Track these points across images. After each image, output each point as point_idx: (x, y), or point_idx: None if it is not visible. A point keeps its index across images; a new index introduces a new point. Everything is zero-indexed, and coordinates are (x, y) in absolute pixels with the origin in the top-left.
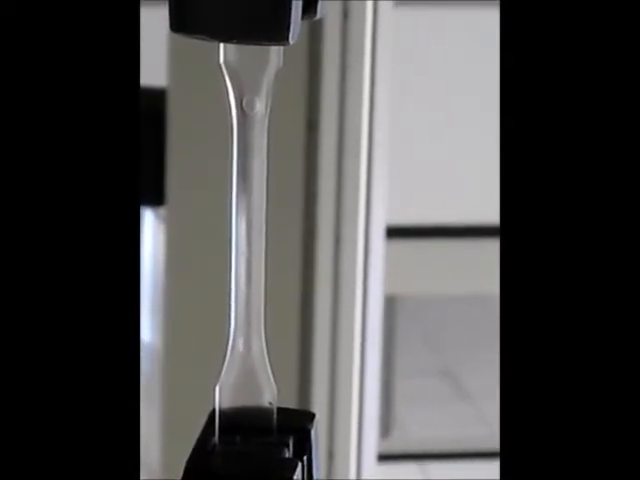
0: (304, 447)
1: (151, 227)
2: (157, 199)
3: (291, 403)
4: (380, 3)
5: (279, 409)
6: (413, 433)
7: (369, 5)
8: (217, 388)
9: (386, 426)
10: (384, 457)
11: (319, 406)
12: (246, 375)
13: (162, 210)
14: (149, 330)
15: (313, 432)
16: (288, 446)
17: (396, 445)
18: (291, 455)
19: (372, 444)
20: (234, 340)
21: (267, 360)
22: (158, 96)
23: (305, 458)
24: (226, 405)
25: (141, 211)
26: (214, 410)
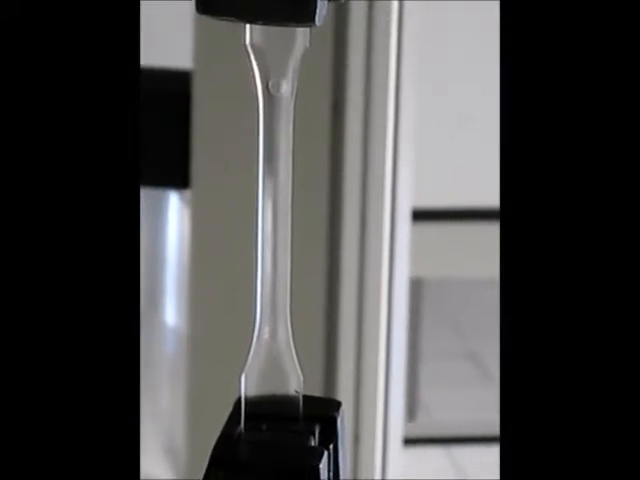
0: (330, 435)
1: (176, 210)
2: (182, 182)
3: (317, 382)
4: None
5: (305, 397)
6: (439, 417)
7: None
8: (243, 376)
9: (412, 410)
10: (410, 441)
11: (345, 390)
12: (272, 363)
13: (187, 193)
14: (175, 314)
15: (339, 420)
16: (314, 434)
17: (422, 429)
18: (317, 443)
19: (398, 428)
20: (260, 328)
21: (293, 348)
22: (184, 78)
23: (331, 446)
24: (252, 393)
25: (149, 193)
26: (240, 398)
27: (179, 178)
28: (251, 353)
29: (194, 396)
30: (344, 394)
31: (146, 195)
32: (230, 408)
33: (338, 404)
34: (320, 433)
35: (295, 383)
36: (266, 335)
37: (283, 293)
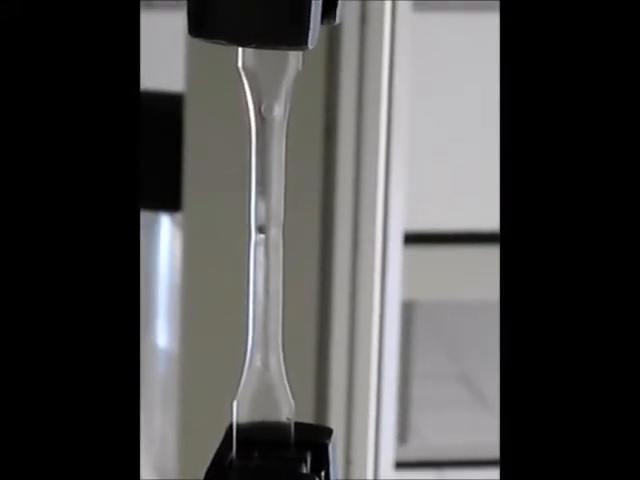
0: (322, 462)
1: (168, 232)
2: (174, 204)
3: (308, 404)
4: (398, 8)
5: (297, 424)
6: (431, 440)
7: (387, 10)
8: (235, 403)
9: (403, 433)
10: (401, 464)
11: (336, 413)
12: (264, 390)
13: (179, 215)
14: (166, 336)
15: (330, 447)
16: (306, 461)
17: (413, 452)
18: (309, 470)
19: (389, 451)
20: (251, 355)
21: (284, 375)
22: (176, 101)
23: (322, 473)
24: (244, 420)
25: (141, 215)
26: (231, 425)
27: (171, 201)
28: (243, 380)
29: (186, 417)
30: (335, 417)
31: None
32: (222, 429)
33: (330, 431)
34: (312, 460)
35: (287, 410)
36: (258, 362)
37: (275, 320)
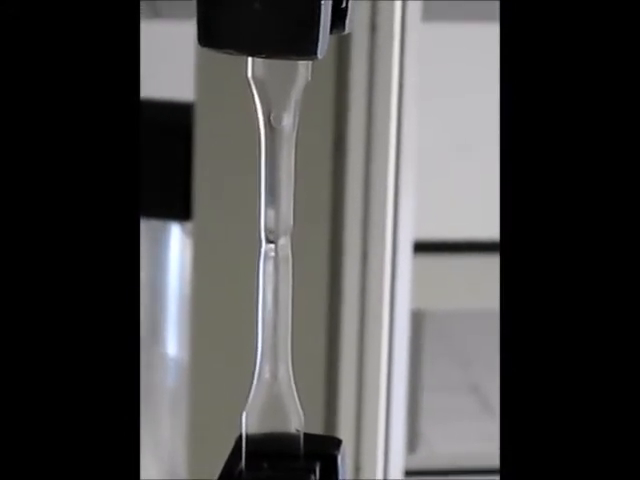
0: (331, 473)
1: (178, 242)
2: (184, 213)
3: (317, 413)
4: (408, 18)
5: (306, 435)
6: (440, 449)
7: (397, 20)
8: (244, 415)
9: (413, 442)
10: (411, 473)
11: (346, 421)
12: (273, 402)
13: (189, 224)
14: (176, 345)
15: (339, 458)
16: (315, 472)
17: (422, 461)
18: None
19: (399, 460)
20: (260, 367)
21: (293, 386)
22: (186, 110)
23: None
24: (253, 431)
25: (141, 224)
26: (241, 436)
27: (181, 209)
28: (252, 392)
29: (195, 427)
30: (345, 427)
31: (148, 226)
32: (231, 439)
33: (339, 442)
34: (321, 471)
35: (296, 421)
36: (267, 374)
37: (284, 330)
